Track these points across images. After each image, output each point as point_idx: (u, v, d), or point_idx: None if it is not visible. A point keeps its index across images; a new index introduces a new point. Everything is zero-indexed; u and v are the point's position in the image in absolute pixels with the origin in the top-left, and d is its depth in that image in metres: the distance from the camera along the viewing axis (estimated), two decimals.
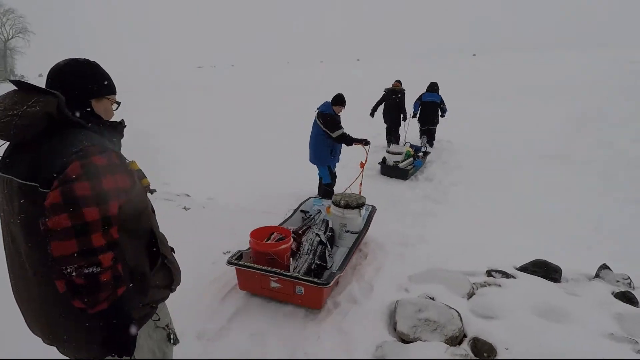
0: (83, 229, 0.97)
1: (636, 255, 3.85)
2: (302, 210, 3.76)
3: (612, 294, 2.83)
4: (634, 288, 3.04)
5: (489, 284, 2.83)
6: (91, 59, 1.24)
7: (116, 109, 1.30)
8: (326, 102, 4.84)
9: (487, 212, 5.16)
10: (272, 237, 2.80)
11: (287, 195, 5.36)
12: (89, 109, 1.18)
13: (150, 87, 19.52)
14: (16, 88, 1.11)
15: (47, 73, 1.18)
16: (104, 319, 1.03)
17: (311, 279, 2.40)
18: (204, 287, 2.69)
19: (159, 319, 1.31)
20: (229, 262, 2.57)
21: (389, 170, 6.54)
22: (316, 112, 4.86)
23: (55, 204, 0.96)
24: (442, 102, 7.80)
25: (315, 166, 5.16)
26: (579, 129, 8.71)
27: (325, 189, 5.07)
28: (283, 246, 2.60)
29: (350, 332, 2.25)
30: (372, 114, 8.11)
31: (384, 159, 6.68)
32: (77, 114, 1.11)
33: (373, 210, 3.66)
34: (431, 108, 7.81)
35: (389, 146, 7.88)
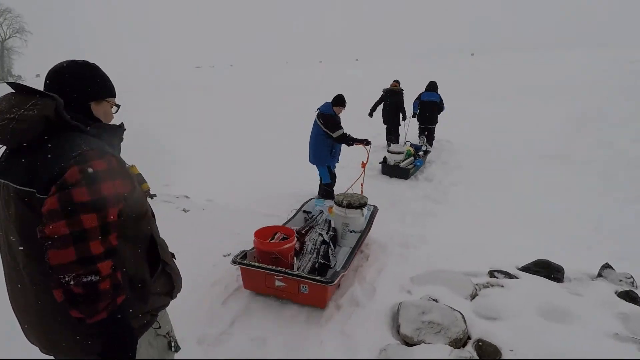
0: (81, 236, 0.94)
1: (637, 255, 3.84)
2: (304, 211, 3.78)
3: (616, 293, 2.81)
4: (637, 287, 3.02)
5: (492, 285, 2.81)
6: (90, 61, 1.21)
7: (116, 112, 1.27)
8: (326, 102, 4.84)
9: (487, 212, 5.14)
10: (275, 236, 2.83)
11: (288, 196, 5.34)
12: (88, 112, 1.16)
13: (150, 87, 19.52)
14: (13, 91, 1.09)
15: (45, 74, 1.15)
16: (103, 329, 1.00)
17: (315, 277, 2.42)
18: (204, 290, 2.66)
19: (159, 327, 1.28)
20: (234, 262, 2.58)
21: (390, 169, 6.54)
22: (316, 112, 4.85)
23: (53, 210, 0.94)
24: (441, 101, 7.79)
25: (314, 166, 5.15)
26: (579, 129, 8.70)
27: (325, 189, 5.06)
28: (287, 245, 2.62)
29: (353, 335, 2.22)
30: (370, 114, 8.12)
31: (385, 158, 6.67)
32: (76, 118, 1.08)
33: (375, 210, 3.67)
34: (430, 107, 7.80)
35: (389, 146, 7.88)
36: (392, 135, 8.26)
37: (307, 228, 3.25)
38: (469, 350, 2.15)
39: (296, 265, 2.70)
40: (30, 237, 0.99)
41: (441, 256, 3.33)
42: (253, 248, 2.74)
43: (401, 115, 8.02)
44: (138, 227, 1.16)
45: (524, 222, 4.79)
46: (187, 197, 5.24)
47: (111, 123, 1.23)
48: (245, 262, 2.58)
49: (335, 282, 2.41)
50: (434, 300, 2.54)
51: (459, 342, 2.17)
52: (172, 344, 1.34)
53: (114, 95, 1.25)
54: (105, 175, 0.99)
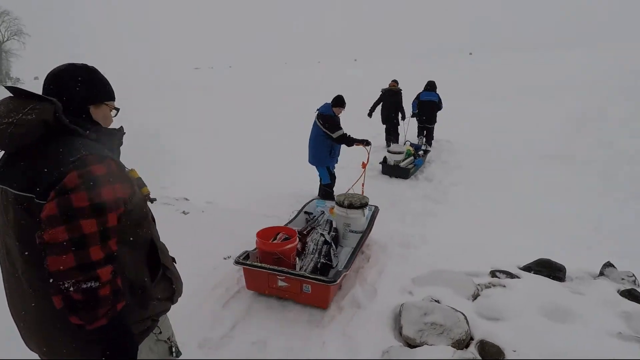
0: (81, 242, 0.93)
1: (637, 255, 3.83)
2: (305, 212, 3.79)
3: (618, 291, 2.80)
4: (639, 285, 3.02)
5: (494, 285, 2.80)
6: (89, 64, 1.20)
7: (115, 115, 1.26)
8: (326, 103, 4.84)
9: (487, 211, 5.14)
10: (278, 237, 2.84)
11: (287, 196, 5.34)
12: (87, 116, 1.14)
13: (150, 87, 19.56)
14: (11, 95, 1.08)
15: (43, 77, 1.14)
16: (103, 335, 0.99)
17: (318, 277, 2.43)
18: (205, 294, 2.65)
19: (160, 332, 1.27)
20: (237, 262, 2.58)
21: (390, 169, 6.54)
22: (316, 113, 4.85)
23: (52, 216, 0.92)
24: (439, 100, 7.79)
25: (314, 167, 5.14)
26: (579, 129, 8.69)
27: (325, 190, 5.05)
28: (289, 246, 2.64)
29: (355, 338, 2.21)
30: (370, 114, 8.13)
31: (385, 158, 6.67)
32: (75, 122, 1.07)
33: (376, 211, 3.69)
34: (429, 107, 7.80)
35: (388, 146, 7.88)
36: (392, 135, 8.27)
37: (308, 229, 3.27)
38: (472, 351, 2.14)
39: (298, 265, 2.72)
40: (29, 242, 0.98)
41: (442, 256, 3.32)
42: (255, 249, 2.76)
43: (400, 115, 8.03)
44: (138, 231, 1.15)
45: (524, 222, 4.78)
46: (186, 199, 5.23)
47: (110, 127, 1.22)
48: (247, 262, 2.59)
49: (338, 281, 2.42)
50: (435, 301, 2.53)
51: (462, 343, 2.15)
52: (173, 349, 1.33)
53: (113, 99, 1.23)
54: (104, 180, 0.98)
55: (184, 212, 4.42)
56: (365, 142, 4.71)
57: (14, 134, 0.97)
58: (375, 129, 8.18)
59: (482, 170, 6.76)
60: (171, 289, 1.27)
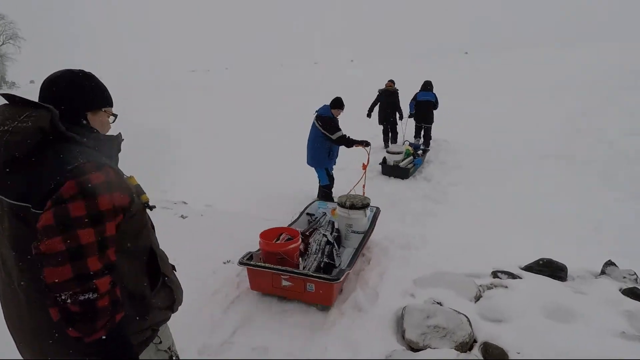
0: (78, 252, 0.91)
1: (637, 254, 3.83)
2: (307, 213, 3.81)
3: (620, 290, 2.80)
4: None
5: (496, 286, 2.79)
6: (87, 69, 1.18)
7: (113, 122, 1.23)
8: (325, 105, 4.83)
9: (487, 211, 5.14)
10: (281, 237, 2.88)
11: (286, 198, 5.34)
12: (84, 123, 1.12)
13: (150, 87, 19.59)
14: (7, 102, 1.05)
15: (39, 81, 1.12)
16: (102, 348, 0.96)
17: (322, 275, 2.48)
18: (204, 299, 2.62)
19: (160, 342, 1.24)
20: (241, 263, 2.62)
21: (390, 169, 6.54)
22: (315, 114, 4.84)
23: (48, 226, 0.90)
24: (436, 100, 7.81)
25: (312, 168, 5.13)
26: (578, 128, 8.70)
27: (324, 191, 5.04)
28: (292, 246, 2.68)
29: (357, 342, 2.19)
30: (369, 115, 8.16)
31: (384, 159, 6.67)
32: (72, 129, 1.05)
33: (377, 212, 3.71)
34: (426, 107, 7.82)
35: (386, 146, 7.88)
36: (391, 134, 8.29)
37: (311, 230, 3.30)
38: (476, 353, 2.13)
39: (301, 265, 2.75)
40: (25, 253, 0.96)
41: (443, 257, 3.30)
42: (258, 249, 2.79)
43: (398, 114, 8.04)
44: (137, 240, 1.13)
45: (524, 221, 4.78)
46: (185, 202, 5.20)
47: (108, 133, 1.19)
48: (251, 262, 2.62)
49: (341, 279, 2.46)
50: (438, 303, 2.51)
51: (465, 346, 2.14)
52: (174, 358, 1.30)
53: (111, 105, 1.21)
54: (102, 188, 0.96)
55: (182, 216, 4.40)
56: (365, 143, 4.70)
57: (9, 142, 0.95)
58: (373, 129, 8.18)
59: (481, 170, 6.76)
60: (171, 297, 1.25)
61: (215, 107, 13.92)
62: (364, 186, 4.52)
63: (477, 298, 2.63)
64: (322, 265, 2.77)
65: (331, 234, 3.22)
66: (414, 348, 2.14)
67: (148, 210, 1.18)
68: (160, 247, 1.28)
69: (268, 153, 8.04)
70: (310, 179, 5.34)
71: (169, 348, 1.30)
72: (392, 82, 8.14)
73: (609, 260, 3.19)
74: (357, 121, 7.64)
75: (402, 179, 6.41)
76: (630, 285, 2.85)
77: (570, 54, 21.02)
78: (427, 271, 2.93)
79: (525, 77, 15.81)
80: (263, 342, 2.25)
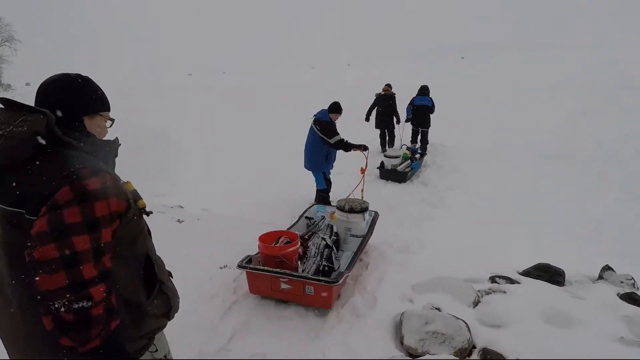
0: (73, 259, 0.89)
1: (637, 255, 3.84)
2: (306, 217, 3.82)
3: (618, 295, 2.80)
4: (638, 288, 3.01)
5: (494, 291, 2.78)
6: (83, 74, 1.16)
7: (110, 126, 1.22)
8: (323, 109, 4.85)
9: (487, 212, 5.15)
10: (280, 240, 2.88)
11: (284, 202, 5.35)
12: (81, 127, 1.10)
13: (150, 87, 19.62)
14: (2, 106, 1.04)
15: (35, 84, 1.10)
16: (97, 356, 0.94)
17: (321, 278, 2.49)
18: (201, 305, 2.59)
19: (156, 350, 1.22)
20: (240, 266, 2.62)
21: (388, 173, 6.54)
22: (312, 119, 4.84)
23: (42, 232, 0.88)
24: (432, 105, 7.84)
25: (310, 172, 5.11)
26: (578, 128, 8.73)
27: (321, 195, 5.03)
28: (291, 249, 2.70)
29: (355, 348, 2.17)
30: (367, 119, 8.19)
31: (382, 163, 6.67)
32: (68, 133, 1.03)
33: (376, 216, 3.72)
34: (423, 111, 7.85)
35: (383, 150, 7.88)
36: (388, 138, 8.31)
37: (310, 233, 3.31)
38: (475, 359, 2.11)
39: (300, 268, 2.76)
40: (19, 260, 0.93)
41: (441, 262, 3.30)
42: (257, 253, 2.80)
43: (395, 118, 8.06)
44: (134, 246, 1.11)
45: (524, 222, 4.79)
46: (181, 206, 5.16)
47: (106, 138, 1.18)
48: (250, 266, 2.62)
49: (340, 281, 2.47)
50: (436, 308, 2.50)
51: (464, 352, 2.12)
52: None
53: (108, 109, 1.20)
54: (98, 194, 0.94)
55: (178, 221, 4.36)
56: (363, 147, 4.70)
57: (4, 147, 0.94)
58: (370, 133, 8.20)
59: (480, 170, 6.77)
60: (168, 304, 1.23)
61: (215, 107, 14.09)
62: (362, 190, 4.51)
63: (476, 303, 2.62)
64: (321, 269, 2.80)
65: (330, 237, 3.24)
66: (412, 354, 2.13)
67: (145, 216, 1.16)
68: (157, 252, 1.26)
69: (266, 154, 8.10)
70: (308, 183, 5.33)
71: (165, 356, 1.28)
72: (389, 86, 8.17)
73: (606, 265, 3.19)
74: (357, 121, 7.76)
75: (400, 182, 6.41)
76: (628, 290, 2.86)
77: (570, 54, 21.20)
78: (425, 276, 2.92)
79: (525, 77, 15.93)
80: (260, 348, 2.23)
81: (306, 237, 3.21)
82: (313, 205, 4.11)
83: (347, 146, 4.69)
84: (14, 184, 0.96)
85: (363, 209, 3.43)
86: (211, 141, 9.30)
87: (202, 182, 6.32)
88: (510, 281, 2.96)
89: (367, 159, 4.73)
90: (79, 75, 1.14)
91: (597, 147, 7.56)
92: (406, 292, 2.74)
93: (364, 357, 2.09)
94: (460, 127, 9.14)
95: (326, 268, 2.84)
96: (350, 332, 2.32)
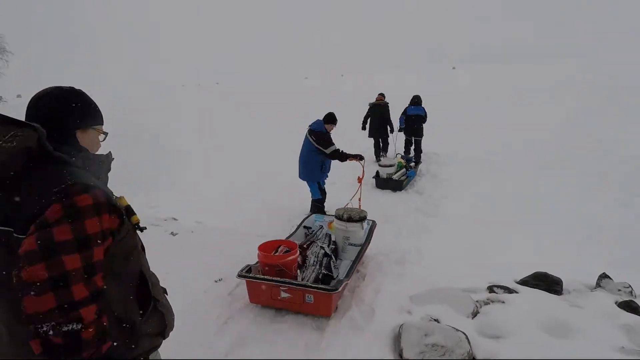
0: (62, 279, 0.85)
1: (637, 255, 3.85)
2: (304, 226, 3.83)
3: (616, 303, 2.79)
4: (635, 296, 3.01)
5: (492, 301, 2.76)
6: (77, 87, 1.14)
7: (103, 140, 1.19)
8: (318, 120, 4.87)
9: (487, 212, 5.18)
10: (279, 249, 2.89)
11: (279, 212, 5.33)
12: (73, 142, 1.07)
13: (150, 87, 19.61)
14: None
15: (27, 96, 1.07)
16: None
17: (320, 286, 2.51)
18: (195, 319, 2.52)
19: None
20: (240, 275, 2.63)
21: (384, 182, 6.55)
22: (307, 129, 4.85)
23: (31, 251, 0.84)
24: (425, 114, 7.91)
25: (304, 183, 5.09)
26: (578, 129, 8.79)
27: (316, 205, 5.01)
28: (291, 257, 2.71)
29: None
30: (363, 127, 8.27)
31: (377, 172, 6.68)
32: (60, 148, 1.00)
33: (374, 225, 3.73)
34: (416, 121, 7.91)
35: (377, 160, 7.91)
36: (382, 146, 8.35)
37: (308, 242, 3.32)
38: None
39: (300, 277, 2.76)
40: (7, 281, 0.89)
41: (438, 272, 3.28)
42: (257, 262, 2.81)
43: (389, 127, 8.11)
44: (127, 263, 1.07)
45: (523, 223, 4.81)
46: (174, 219, 5.10)
47: (98, 152, 1.15)
48: (250, 275, 2.63)
49: (340, 289, 2.48)
50: (435, 320, 2.47)
51: None
52: None
53: (101, 123, 1.17)
54: (90, 211, 0.91)
55: (172, 233, 4.29)
56: (359, 157, 4.71)
57: None
58: (365, 143, 8.24)
59: (481, 172, 6.81)
60: (162, 323, 1.19)
61: (214, 107, 14.14)
62: (360, 199, 4.50)
63: (474, 314, 2.59)
64: (320, 277, 2.80)
65: (328, 246, 3.25)
66: None
67: (138, 232, 1.13)
68: (150, 266, 1.22)
69: (267, 153, 8.22)
70: (302, 193, 5.31)
71: None
72: (382, 95, 8.25)
73: (603, 273, 3.19)
74: (357, 130, 7.86)
75: (396, 191, 6.41)
76: (626, 298, 2.85)
77: (570, 54, 21.50)
78: (423, 286, 2.89)
79: (525, 78, 16.09)
80: None
81: (305, 246, 3.22)
82: (311, 214, 4.12)
83: (343, 156, 4.70)
84: (3, 201, 0.92)
85: (361, 218, 3.45)
86: (211, 141, 9.44)
87: (201, 182, 6.33)
88: (509, 291, 2.94)
89: (363, 168, 4.73)
90: (71, 89, 1.11)
91: (597, 147, 7.57)
92: (404, 304, 2.70)
93: None
94: (460, 127, 9.20)
95: (325, 276, 2.83)
96: (348, 346, 2.27)
